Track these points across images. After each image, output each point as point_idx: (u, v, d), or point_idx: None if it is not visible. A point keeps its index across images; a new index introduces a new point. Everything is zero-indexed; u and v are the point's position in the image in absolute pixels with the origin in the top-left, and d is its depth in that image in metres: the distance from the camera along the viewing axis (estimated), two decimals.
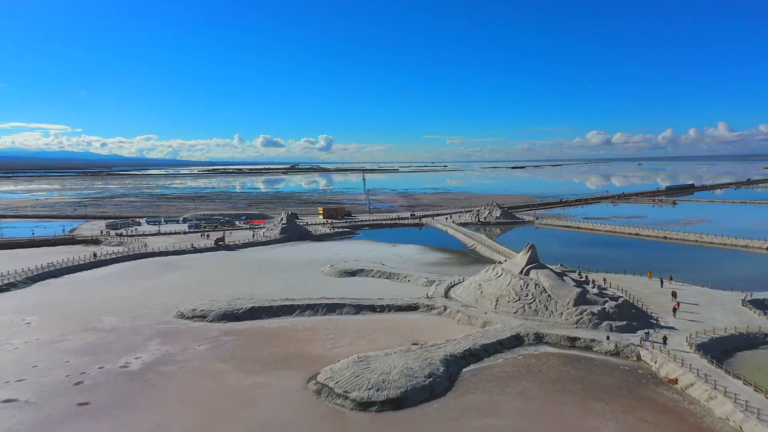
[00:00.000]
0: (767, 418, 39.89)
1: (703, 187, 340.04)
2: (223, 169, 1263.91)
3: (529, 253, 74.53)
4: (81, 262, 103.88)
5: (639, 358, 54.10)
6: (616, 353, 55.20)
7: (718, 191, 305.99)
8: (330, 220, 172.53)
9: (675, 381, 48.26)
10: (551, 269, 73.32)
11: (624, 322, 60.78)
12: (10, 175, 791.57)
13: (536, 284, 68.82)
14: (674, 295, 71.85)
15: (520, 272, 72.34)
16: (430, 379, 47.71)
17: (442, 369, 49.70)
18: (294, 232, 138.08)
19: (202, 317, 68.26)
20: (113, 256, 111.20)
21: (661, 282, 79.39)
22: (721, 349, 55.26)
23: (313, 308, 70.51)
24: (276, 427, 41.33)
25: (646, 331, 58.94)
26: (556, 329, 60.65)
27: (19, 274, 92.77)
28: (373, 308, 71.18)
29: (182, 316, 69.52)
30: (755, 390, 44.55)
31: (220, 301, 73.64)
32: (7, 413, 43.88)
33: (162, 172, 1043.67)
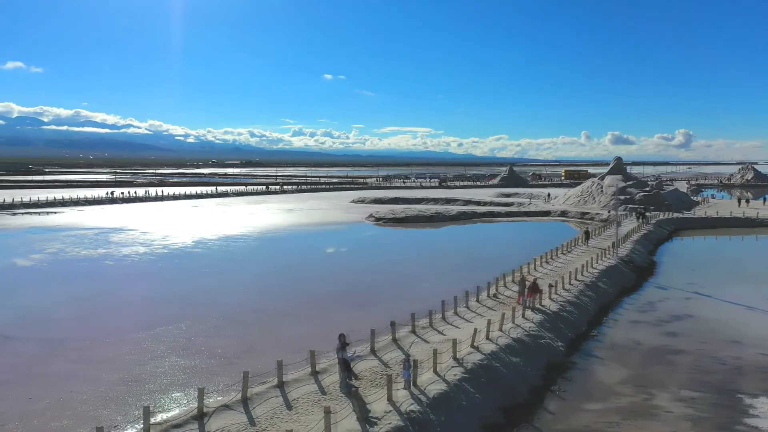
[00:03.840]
0: None
1: None
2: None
3: (614, 163, 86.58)
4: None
5: (619, 224, 66.59)
6: (606, 220, 68.50)
7: None
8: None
9: None
10: (630, 176, 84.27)
11: (639, 207, 71.57)
12: (389, 168, 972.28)
13: (600, 185, 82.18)
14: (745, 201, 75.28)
15: (599, 178, 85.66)
16: (453, 214, 72.30)
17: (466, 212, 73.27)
18: (510, 180, 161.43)
19: (361, 201, 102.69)
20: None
21: (739, 202, 79.56)
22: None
23: (435, 200, 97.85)
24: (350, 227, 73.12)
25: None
26: (579, 209, 75.47)
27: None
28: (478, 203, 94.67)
29: (353, 201, 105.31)
30: None
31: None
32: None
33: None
